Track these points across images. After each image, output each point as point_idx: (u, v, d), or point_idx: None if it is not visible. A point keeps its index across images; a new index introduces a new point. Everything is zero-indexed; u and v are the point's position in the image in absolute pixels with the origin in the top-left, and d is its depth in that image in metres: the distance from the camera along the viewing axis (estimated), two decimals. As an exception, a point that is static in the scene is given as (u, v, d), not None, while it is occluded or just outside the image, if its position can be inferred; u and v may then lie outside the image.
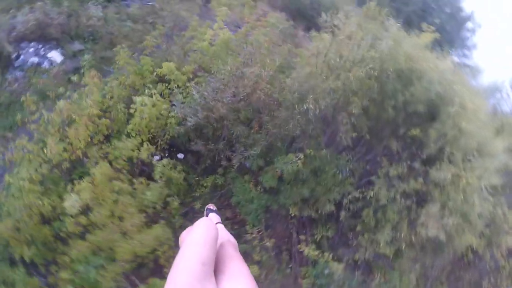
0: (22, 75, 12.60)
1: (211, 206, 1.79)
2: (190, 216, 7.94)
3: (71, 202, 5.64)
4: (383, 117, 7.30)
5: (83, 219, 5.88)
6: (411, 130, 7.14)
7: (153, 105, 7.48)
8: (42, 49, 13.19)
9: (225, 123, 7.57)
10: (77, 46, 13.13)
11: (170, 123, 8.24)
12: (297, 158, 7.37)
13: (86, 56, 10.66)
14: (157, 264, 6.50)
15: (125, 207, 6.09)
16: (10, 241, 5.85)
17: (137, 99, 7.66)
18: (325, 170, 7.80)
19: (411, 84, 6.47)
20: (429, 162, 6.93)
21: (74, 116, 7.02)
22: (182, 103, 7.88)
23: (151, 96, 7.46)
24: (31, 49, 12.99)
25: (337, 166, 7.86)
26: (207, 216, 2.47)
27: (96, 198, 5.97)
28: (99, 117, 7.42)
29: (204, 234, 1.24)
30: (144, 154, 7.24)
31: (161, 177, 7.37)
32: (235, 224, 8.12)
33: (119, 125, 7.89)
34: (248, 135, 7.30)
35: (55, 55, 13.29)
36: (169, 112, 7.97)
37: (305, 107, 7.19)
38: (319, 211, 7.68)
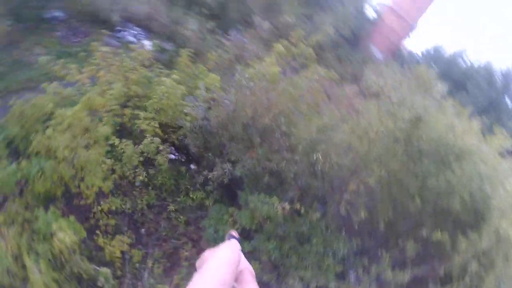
0: (117, 45, 14.06)
1: (233, 232, 1.74)
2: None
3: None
4: (404, 203, 5.60)
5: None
6: (436, 232, 5.27)
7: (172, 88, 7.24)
8: (141, 35, 14.86)
9: (227, 134, 6.82)
10: (167, 46, 14.38)
11: (185, 118, 7.95)
12: (280, 206, 6.06)
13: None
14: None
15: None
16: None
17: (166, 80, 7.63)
18: (311, 240, 6.23)
19: (448, 165, 4.80)
20: (446, 282, 4.90)
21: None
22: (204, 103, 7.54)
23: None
24: (132, 31, 14.74)
25: (328, 244, 6.23)
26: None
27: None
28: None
29: (229, 256, 1.32)
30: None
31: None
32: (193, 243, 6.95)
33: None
34: (241, 154, 6.35)
35: (147, 44, 14.70)
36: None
37: (314, 158, 6.02)
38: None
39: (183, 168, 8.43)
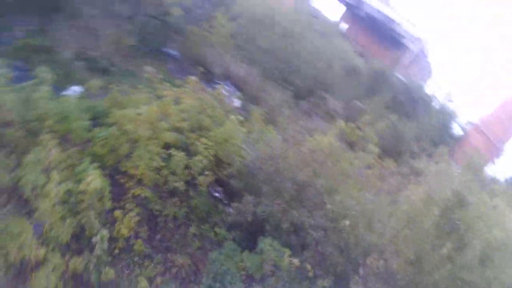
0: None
1: None
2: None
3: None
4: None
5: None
6: None
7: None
8: (233, 91, 16.90)
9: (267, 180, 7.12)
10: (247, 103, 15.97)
11: (237, 158, 8.56)
12: (288, 258, 5.88)
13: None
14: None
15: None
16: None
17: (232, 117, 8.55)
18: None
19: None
20: None
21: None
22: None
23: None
24: (227, 86, 16.90)
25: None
26: None
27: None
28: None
29: None
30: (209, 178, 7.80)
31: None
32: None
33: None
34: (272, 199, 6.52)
35: (236, 101, 16.58)
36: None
37: (343, 225, 5.92)
38: None
39: (220, 205, 8.67)
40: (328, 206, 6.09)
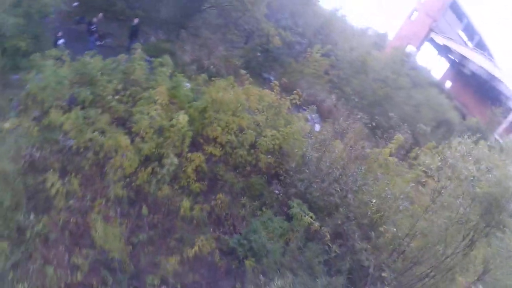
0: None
1: None
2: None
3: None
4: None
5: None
6: None
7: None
8: (316, 118, 18.01)
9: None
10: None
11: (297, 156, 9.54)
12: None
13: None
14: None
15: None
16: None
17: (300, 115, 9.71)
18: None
19: None
20: None
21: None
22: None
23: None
24: (312, 114, 18.13)
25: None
26: None
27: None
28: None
29: None
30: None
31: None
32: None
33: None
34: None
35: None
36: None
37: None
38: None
39: (271, 189, 9.57)
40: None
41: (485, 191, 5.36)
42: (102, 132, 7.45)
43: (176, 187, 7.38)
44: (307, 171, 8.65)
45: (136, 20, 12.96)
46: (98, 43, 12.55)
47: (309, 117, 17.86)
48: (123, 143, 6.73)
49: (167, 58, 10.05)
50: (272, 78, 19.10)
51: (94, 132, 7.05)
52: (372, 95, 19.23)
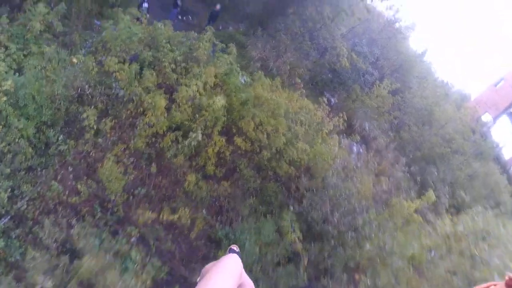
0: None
1: (234, 247, 1.61)
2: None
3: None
4: None
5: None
6: None
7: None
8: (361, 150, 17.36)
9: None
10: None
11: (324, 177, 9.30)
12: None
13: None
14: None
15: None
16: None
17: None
18: None
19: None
20: None
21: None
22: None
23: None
24: (356, 144, 17.51)
25: None
26: None
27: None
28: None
29: (231, 267, 1.34)
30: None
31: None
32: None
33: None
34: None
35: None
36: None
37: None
38: None
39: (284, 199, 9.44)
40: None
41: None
42: (148, 91, 8.05)
43: (193, 162, 7.67)
44: (324, 194, 8.41)
45: (218, 6, 13.66)
46: (179, 17, 13.48)
47: (354, 149, 17.33)
48: (159, 104, 7.18)
49: (232, 48, 10.49)
50: (332, 100, 18.83)
51: (140, 87, 7.62)
52: (429, 149, 17.97)
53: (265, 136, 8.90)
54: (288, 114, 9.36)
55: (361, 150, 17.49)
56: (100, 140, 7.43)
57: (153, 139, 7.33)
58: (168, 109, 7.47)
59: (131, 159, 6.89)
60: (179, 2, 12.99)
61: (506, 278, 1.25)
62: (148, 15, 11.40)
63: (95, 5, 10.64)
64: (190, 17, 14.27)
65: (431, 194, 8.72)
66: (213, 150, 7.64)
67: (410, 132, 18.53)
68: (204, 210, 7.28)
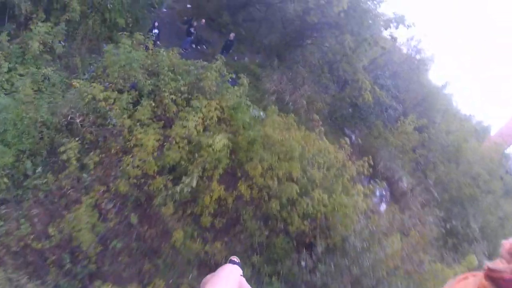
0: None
1: (235, 258, 1.86)
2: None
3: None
4: None
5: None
6: None
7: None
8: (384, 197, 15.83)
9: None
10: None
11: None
12: None
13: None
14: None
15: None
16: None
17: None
18: None
19: None
20: None
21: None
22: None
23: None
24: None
25: None
26: None
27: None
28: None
29: (229, 276, 1.40)
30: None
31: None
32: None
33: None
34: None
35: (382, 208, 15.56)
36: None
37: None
38: None
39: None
40: None
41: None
42: (142, 124, 7.11)
43: (187, 210, 6.48)
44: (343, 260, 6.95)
45: (232, 35, 13.02)
46: (193, 45, 12.91)
47: (377, 193, 15.75)
48: (147, 143, 6.18)
49: (243, 79, 9.57)
50: (353, 137, 17.52)
51: (129, 120, 6.69)
52: (456, 190, 16.15)
53: (276, 182, 7.66)
54: (304, 156, 8.12)
55: (384, 194, 15.93)
56: (85, 175, 6.46)
57: (142, 180, 6.27)
58: (163, 146, 6.45)
59: (112, 203, 5.83)
60: (192, 30, 12.45)
61: (485, 268, 1.19)
62: (158, 42, 10.84)
63: (104, 29, 10.15)
64: (204, 46, 13.69)
65: (472, 259, 7.10)
66: (211, 198, 6.46)
67: (436, 171, 16.85)
68: (195, 270, 5.99)
